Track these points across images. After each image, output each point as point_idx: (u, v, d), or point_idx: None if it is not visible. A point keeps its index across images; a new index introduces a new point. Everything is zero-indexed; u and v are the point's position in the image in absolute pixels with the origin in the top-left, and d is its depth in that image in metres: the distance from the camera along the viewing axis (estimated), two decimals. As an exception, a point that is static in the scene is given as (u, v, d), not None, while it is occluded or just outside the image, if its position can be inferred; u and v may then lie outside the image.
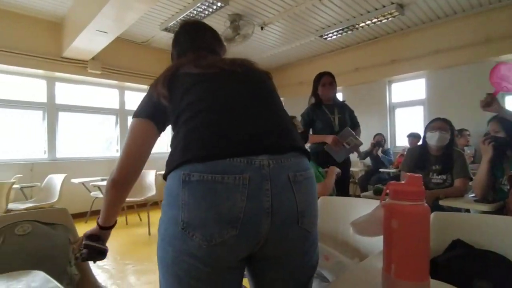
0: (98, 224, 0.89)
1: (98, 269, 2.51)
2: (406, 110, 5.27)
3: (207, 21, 4.29)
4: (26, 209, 3.19)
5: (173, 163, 0.69)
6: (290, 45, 5.41)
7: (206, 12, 4.03)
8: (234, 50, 5.61)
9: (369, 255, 1.17)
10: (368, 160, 5.12)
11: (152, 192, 3.90)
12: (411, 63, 4.82)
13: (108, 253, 0.92)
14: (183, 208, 0.64)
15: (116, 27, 3.63)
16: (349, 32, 4.71)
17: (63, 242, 1.10)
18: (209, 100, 0.74)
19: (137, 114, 0.81)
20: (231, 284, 0.70)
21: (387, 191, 0.67)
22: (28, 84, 4.42)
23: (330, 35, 4.82)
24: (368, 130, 4.87)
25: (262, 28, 4.55)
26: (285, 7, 4.01)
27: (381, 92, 5.39)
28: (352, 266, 1.11)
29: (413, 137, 4.51)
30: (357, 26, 4.49)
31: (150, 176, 4.07)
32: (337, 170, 2.02)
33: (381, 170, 4.58)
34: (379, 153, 4.83)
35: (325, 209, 1.49)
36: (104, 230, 0.90)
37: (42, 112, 4.54)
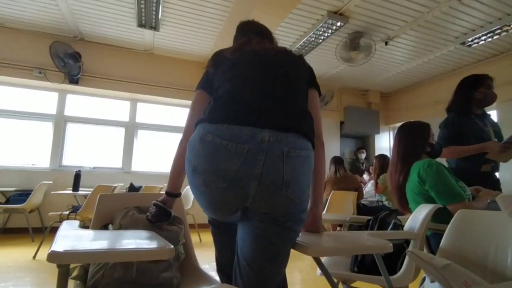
0: (165, 192, 1.08)
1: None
2: None
3: (326, 42, 4.39)
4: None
5: (200, 119, 0.93)
6: (422, 59, 4.81)
7: (326, 34, 4.09)
8: (353, 72, 5.43)
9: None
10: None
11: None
12: None
13: None
14: (196, 156, 0.86)
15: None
16: (503, 34, 3.82)
17: (175, 227, 1.23)
18: (235, 80, 0.96)
19: (196, 88, 1.09)
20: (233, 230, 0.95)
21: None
22: (177, 112, 5.50)
23: (476, 40, 4.03)
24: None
25: (386, 43, 4.25)
26: (414, 16, 3.64)
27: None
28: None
29: None
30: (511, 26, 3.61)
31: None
32: (493, 194, 1.55)
33: None
34: None
35: (466, 226, 1.14)
36: (170, 197, 1.07)
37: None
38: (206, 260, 2.45)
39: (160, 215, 1.06)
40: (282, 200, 0.84)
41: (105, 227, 1.17)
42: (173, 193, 1.07)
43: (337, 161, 4.14)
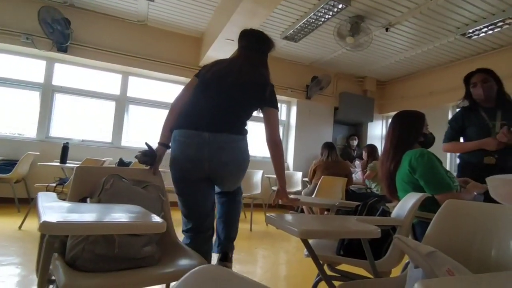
0: (158, 143, 1.48)
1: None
2: None
3: (326, 25, 4.29)
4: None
5: (175, 125, 1.44)
6: (421, 49, 4.76)
7: (327, 16, 3.99)
8: (351, 58, 5.36)
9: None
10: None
11: (257, 190, 4.03)
12: None
13: None
14: (172, 151, 1.42)
15: (242, 35, 4.00)
16: (505, 27, 3.79)
17: (155, 195, 1.26)
18: (201, 100, 1.46)
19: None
20: (202, 190, 1.45)
21: None
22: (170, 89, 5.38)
23: (477, 32, 3.99)
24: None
25: (387, 30, 4.17)
26: (417, 3, 3.56)
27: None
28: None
29: None
30: (518, 18, 3.57)
31: (258, 175, 4.23)
32: (481, 187, 1.58)
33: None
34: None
35: (453, 216, 1.15)
36: (162, 147, 1.47)
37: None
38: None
39: (149, 156, 1.41)
40: (225, 172, 1.42)
41: (82, 200, 1.14)
42: (165, 144, 1.48)
43: (329, 146, 4.16)
